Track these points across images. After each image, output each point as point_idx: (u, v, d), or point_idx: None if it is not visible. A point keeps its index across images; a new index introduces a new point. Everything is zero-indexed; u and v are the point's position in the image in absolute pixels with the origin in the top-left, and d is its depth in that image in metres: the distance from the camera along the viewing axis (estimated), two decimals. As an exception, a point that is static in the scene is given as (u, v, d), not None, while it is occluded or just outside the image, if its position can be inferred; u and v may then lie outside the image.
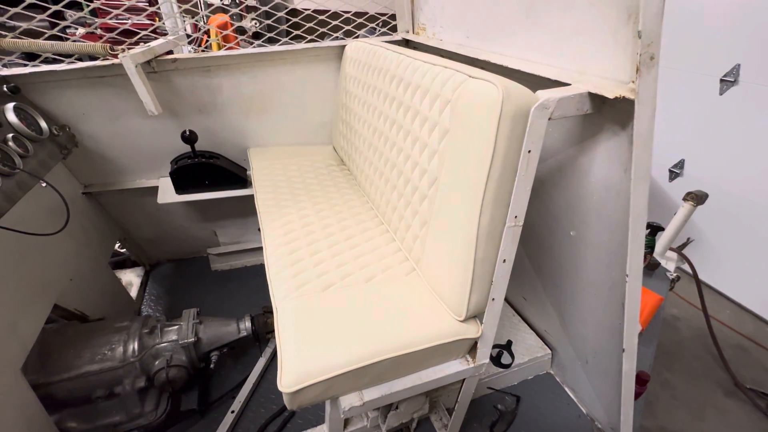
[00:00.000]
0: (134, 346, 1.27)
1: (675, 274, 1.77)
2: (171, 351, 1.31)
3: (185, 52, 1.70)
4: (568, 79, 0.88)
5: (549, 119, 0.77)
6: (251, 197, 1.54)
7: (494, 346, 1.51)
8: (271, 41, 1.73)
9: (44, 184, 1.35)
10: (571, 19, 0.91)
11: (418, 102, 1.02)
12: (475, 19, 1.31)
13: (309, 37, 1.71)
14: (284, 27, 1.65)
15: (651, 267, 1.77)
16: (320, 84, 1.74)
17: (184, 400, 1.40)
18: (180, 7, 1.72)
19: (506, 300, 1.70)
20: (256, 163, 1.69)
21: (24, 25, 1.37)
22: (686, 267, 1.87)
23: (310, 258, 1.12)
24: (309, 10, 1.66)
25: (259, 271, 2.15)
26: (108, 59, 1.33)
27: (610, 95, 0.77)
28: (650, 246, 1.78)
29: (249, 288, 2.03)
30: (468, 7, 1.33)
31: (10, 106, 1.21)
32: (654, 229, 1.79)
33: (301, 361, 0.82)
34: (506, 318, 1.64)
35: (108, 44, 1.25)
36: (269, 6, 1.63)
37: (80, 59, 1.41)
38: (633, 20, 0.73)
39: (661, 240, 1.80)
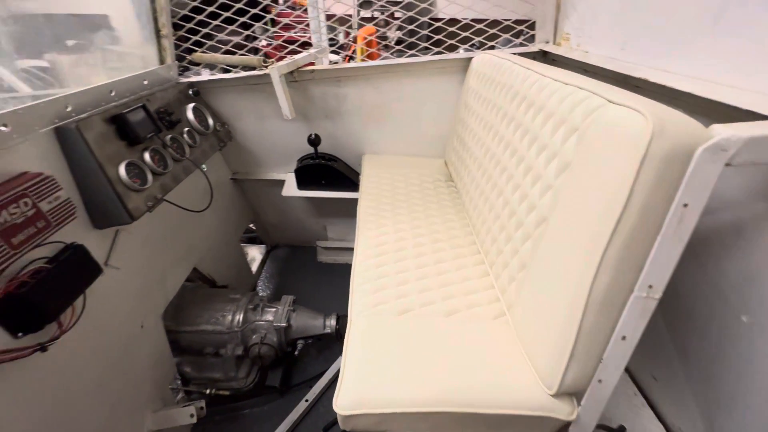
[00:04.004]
0: (239, 317, 1.45)
1: None
2: (266, 330, 1.46)
3: (325, 63, 1.87)
4: (769, 110, 0.63)
5: (726, 165, 0.55)
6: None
7: (599, 426, 1.22)
8: (411, 48, 1.74)
9: (205, 168, 1.67)
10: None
11: (539, 126, 0.87)
12: (636, 27, 1.07)
13: (435, 49, 1.68)
14: (425, 32, 1.65)
15: None
16: (442, 96, 1.70)
17: (270, 376, 1.54)
18: (330, 18, 1.89)
19: (627, 371, 1.36)
20: (367, 169, 1.75)
21: (218, 36, 1.70)
22: None
23: (395, 276, 1.09)
24: (443, 20, 1.63)
25: (357, 271, 2.25)
26: (261, 70, 1.55)
27: None
28: None
29: (345, 285, 2.12)
30: (629, 12, 1.09)
31: (191, 106, 1.52)
32: None
33: (360, 386, 0.79)
34: (623, 395, 1.31)
35: (262, 57, 1.46)
36: (411, 14, 1.65)
37: (244, 68, 1.69)
38: None
39: None
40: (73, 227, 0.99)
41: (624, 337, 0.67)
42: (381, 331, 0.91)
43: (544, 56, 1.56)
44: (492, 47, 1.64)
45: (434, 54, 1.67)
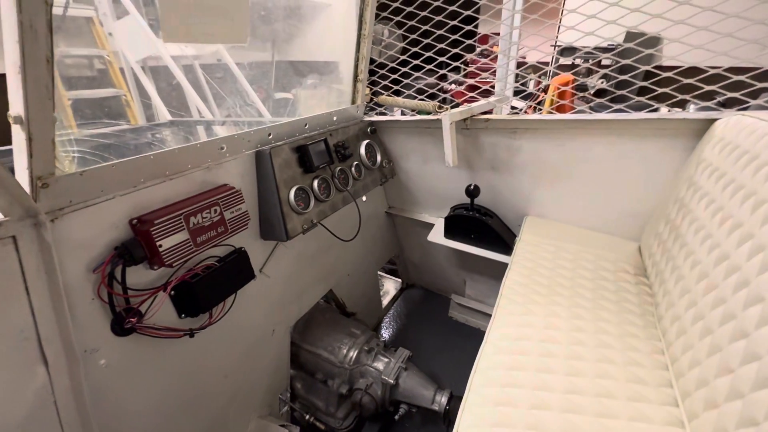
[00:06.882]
0: (353, 355, 1.42)
1: None
2: (373, 380, 1.37)
3: (505, 111, 1.74)
4: None
5: None
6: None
7: None
8: (615, 101, 1.44)
9: (365, 199, 1.77)
10: None
11: None
12: None
13: (649, 103, 1.30)
14: (638, 84, 1.33)
15: None
16: (650, 164, 1.30)
17: (366, 427, 1.44)
18: (521, 66, 1.76)
19: None
20: (527, 235, 1.49)
21: (403, 81, 1.82)
22: None
23: (530, 393, 0.82)
24: (677, 68, 1.25)
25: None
26: (435, 115, 1.54)
27: None
28: None
29: (472, 353, 1.87)
30: None
31: (365, 142, 1.64)
32: None
33: None
34: None
35: (437, 103, 1.44)
36: (623, 62, 1.36)
37: (419, 112, 1.73)
38: None
39: None
40: (245, 234, 1.16)
41: None
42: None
43: None
44: (746, 107, 1.14)
45: (649, 110, 1.30)
